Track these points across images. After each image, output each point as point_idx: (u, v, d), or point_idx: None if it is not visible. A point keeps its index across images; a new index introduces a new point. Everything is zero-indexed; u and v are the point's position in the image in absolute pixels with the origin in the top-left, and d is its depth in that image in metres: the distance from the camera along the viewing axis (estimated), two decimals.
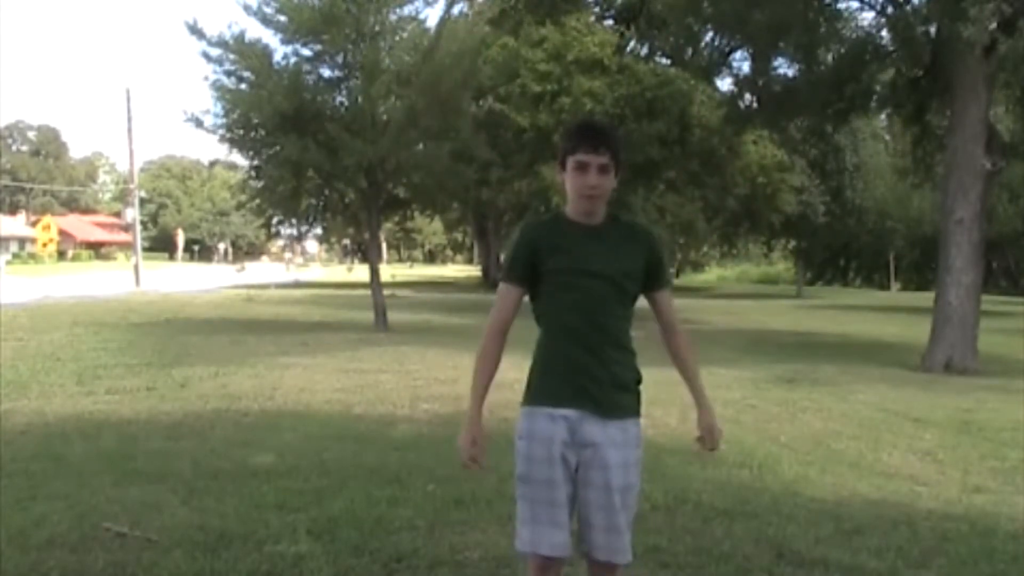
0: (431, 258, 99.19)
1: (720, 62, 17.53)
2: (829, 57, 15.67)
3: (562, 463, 2.54)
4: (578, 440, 2.55)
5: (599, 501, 2.55)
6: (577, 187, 2.57)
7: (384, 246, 54.66)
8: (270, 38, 16.75)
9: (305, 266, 61.89)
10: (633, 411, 2.63)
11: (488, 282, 42.77)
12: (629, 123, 22.46)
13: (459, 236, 78.62)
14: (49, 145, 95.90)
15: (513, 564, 3.63)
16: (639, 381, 2.65)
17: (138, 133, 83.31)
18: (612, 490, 2.54)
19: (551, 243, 2.59)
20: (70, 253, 66.92)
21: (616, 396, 2.58)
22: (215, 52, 15.76)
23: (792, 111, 17.67)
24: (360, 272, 34.43)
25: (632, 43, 19.99)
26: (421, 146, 16.88)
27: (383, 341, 13.93)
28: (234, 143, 16.79)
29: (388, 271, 37.99)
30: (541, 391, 2.59)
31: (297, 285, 37.88)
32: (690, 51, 18.11)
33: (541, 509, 2.55)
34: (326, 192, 17.78)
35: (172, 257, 63.85)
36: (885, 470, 6.16)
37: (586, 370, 2.56)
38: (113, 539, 4.06)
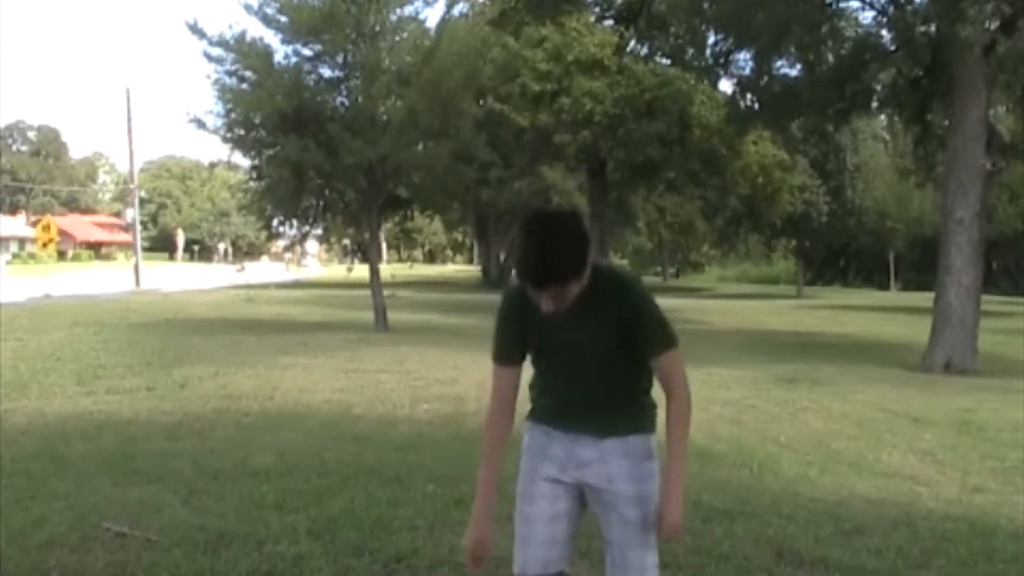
0: (431, 258, 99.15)
1: (722, 63, 17.53)
2: (830, 57, 15.68)
3: (561, 481, 2.46)
4: (574, 457, 2.45)
5: (616, 537, 2.44)
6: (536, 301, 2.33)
7: (384, 246, 54.69)
8: (271, 38, 16.76)
9: (306, 266, 61.93)
10: (639, 427, 2.48)
11: (488, 282, 42.81)
12: (629, 123, 22.44)
13: (459, 236, 78.68)
14: (49, 145, 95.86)
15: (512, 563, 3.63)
16: (651, 414, 2.50)
17: (138, 133, 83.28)
18: (628, 524, 2.41)
19: (530, 323, 2.41)
20: (70, 253, 66.92)
21: (615, 420, 2.45)
22: (216, 52, 15.78)
23: (793, 111, 17.66)
24: (360, 272, 34.46)
25: (632, 43, 19.97)
26: (421, 146, 16.88)
27: (383, 341, 13.93)
28: (235, 143, 16.80)
29: (388, 271, 37.98)
30: (538, 411, 2.53)
31: (297, 285, 37.89)
32: (691, 51, 18.11)
33: (539, 526, 2.46)
34: (326, 192, 17.77)
35: (172, 257, 63.83)
36: (885, 470, 6.16)
37: (579, 410, 2.45)
38: (113, 539, 4.06)
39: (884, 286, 50.01)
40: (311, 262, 64.36)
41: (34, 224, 56.82)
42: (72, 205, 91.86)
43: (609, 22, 21.97)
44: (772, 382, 10.50)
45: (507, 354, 2.47)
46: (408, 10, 16.93)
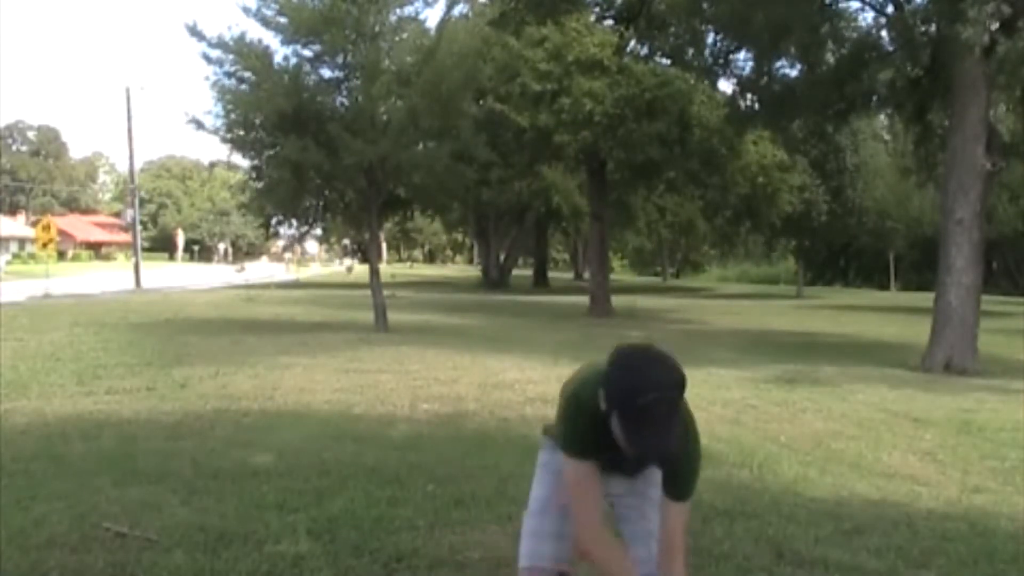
0: (431, 258, 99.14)
1: (722, 63, 17.53)
2: (830, 57, 15.67)
3: None
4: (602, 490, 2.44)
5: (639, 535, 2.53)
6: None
7: (384, 246, 54.71)
8: (270, 39, 16.76)
9: (306, 265, 61.97)
10: None
11: (488, 282, 42.78)
12: (629, 123, 22.43)
13: (459, 236, 78.64)
14: (49, 145, 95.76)
15: (512, 564, 3.63)
16: None
17: (138, 133, 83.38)
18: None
19: (599, 443, 2.28)
20: (70, 253, 66.88)
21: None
22: (215, 53, 15.76)
23: (793, 111, 17.65)
24: (360, 272, 34.43)
25: (632, 43, 19.97)
26: (421, 146, 16.88)
27: (383, 341, 13.93)
28: (234, 144, 16.80)
29: (388, 271, 38.00)
30: (570, 445, 2.37)
31: (297, 285, 37.91)
32: (691, 51, 18.11)
33: (552, 520, 2.52)
34: (326, 192, 17.77)
35: (172, 257, 63.94)
36: (885, 470, 6.16)
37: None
38: (113, 539, 4.07)
39: (884, 286, 50.01)
40: (346, 263, 63.89)
41: (34, 224, 56.86)
42: (72, 205, 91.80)
43: (609, 22, 21.96)
44: (772, 382, 10.49)
45: (589, 452, 2.32)
46: (408, 10, 16.93)
